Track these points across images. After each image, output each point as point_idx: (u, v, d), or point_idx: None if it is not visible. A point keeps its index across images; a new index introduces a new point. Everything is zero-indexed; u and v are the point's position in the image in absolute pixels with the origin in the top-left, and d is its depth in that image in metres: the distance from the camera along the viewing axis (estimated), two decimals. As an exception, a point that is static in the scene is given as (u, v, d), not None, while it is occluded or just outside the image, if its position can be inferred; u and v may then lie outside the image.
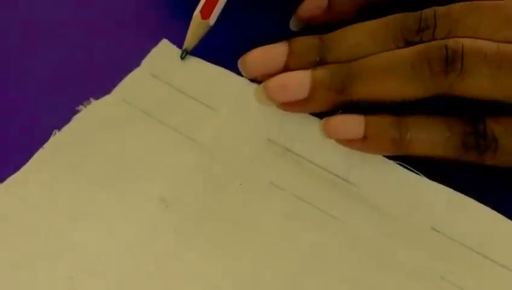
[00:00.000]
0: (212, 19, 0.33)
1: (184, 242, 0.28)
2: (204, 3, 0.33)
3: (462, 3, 0.30)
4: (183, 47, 0.33)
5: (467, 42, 0.29)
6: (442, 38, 0.29)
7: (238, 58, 0.33)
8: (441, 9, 0.30)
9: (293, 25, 0.36)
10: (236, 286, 0.27)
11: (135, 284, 0.27)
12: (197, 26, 0.33)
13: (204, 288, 0.27)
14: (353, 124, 0.30)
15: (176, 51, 0.33)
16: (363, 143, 0.30)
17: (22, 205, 0.29)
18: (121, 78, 0.33)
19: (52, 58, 0.34)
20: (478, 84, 0.28)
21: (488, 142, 0.29)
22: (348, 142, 0.30)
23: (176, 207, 0.29)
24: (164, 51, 0.33)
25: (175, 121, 0.31)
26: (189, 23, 0.33)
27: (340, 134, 0.30)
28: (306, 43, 0.32)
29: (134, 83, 0.32)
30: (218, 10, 0.33)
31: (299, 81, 0.31)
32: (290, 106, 0.31)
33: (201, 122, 0.31)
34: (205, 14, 0.33)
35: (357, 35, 0.31)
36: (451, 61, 0.28)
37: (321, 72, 0.31)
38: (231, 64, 0.32)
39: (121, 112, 0.32)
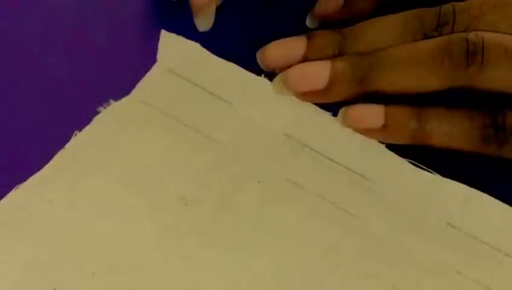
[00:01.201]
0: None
1: (203, 239, 0.29)
2: None
3: None
4: None
5: (488, 35, 0.29)
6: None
7: (254, 55, 0.33)
8: (460, 5, 0.30)
9: (309, 22, 0.36)
10: (255, 283, 0.28)
11: (155, 280, 0.28)
12: None
13: (224, 285, 0.28)
14: (373, 113, 0.30)
15: (180, 40, 0.33)
16: (382, 132, 0.30)
17: (45, 203, 0.29)
18: (141, 79, 0.33)
19: (72, 59, 0.35)
20: (498, 78, 0.28)
21: (507, 135, 0.29)
22: (367, 132, 0.30)
23: (195, 205, 0.29)
24: (171, 43, 0.33)
25: (193, 119, 0.32)
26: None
27: (360, 123, 0.30)
28: (325, 36, 0.32)
29: (151, 83, 0.33)
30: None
31: (319, 71, 0.31)
32: (309, 95, 0.31)
33: (218, 120, 0.32)
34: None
35: (376, 30, 0.31)
36: (472, 54, 0.28)
37: (341, 63, 0.31)
38: (246, 62, 0.33)
39: (140, 113, 0.32)
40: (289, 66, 0.32)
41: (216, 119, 0.32)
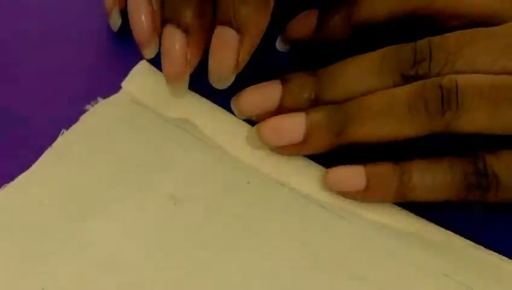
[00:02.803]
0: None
1: (192, 239, 0.28)
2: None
3: (458, 32, 0.30)
4: None
5: (461, 79, 0.28)
6: (438, 71, 0.29)
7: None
8: (436, 40, 0.30)
9: (280, 46, 0.36)
10: (245, 282, 0.28)
11: (145, 280, 0.27)
12: None
13: (213, 284, 0.27)
14: (354, 175, 0.30)
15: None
16: (365, 193, 0.30)
17: (32, 203, 0.29)
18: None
19: (60, 57, 0.34)
20: (475, 121, 0.28)
21: (489, 181, 0.29)
22: (350, 194, 0.30)
23: (185, 205, 0.29)
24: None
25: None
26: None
27: (341, 187, 0.30)
28: (300, 79, 0.31)
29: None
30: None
31: (294, 125, 0.30)
32: (285, 149, 0.31)
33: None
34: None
35: (352, 71, 0.31)
36: (447, 100, 0.28)
37: (317, 115, 0.30)
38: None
39: (128, 111, 0.32)
40: (265, 113, 0.31)
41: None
